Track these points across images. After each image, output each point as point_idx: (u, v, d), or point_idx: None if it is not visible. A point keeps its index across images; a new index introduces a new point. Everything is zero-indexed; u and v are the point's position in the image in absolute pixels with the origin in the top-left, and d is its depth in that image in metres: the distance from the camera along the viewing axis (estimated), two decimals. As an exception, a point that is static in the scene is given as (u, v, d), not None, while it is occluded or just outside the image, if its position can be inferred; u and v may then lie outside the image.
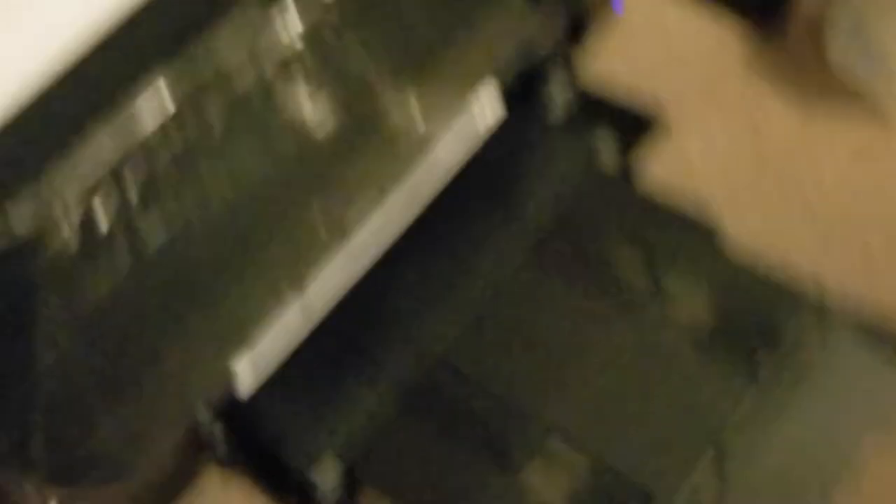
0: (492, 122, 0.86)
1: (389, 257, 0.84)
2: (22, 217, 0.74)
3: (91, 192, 0.76)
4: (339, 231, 0.79)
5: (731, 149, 1.05)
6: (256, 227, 0.78)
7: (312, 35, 0.82)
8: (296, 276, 0.78)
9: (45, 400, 0.70)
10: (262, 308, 0.77)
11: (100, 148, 0.77)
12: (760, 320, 0.83)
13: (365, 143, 0.81)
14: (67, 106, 0.81)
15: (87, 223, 0.75)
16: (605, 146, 0.96)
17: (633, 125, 1.05)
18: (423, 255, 0.87)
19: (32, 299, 0.73)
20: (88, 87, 0.81)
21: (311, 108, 0.80)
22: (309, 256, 0.78)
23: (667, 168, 1.04)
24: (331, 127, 0.80)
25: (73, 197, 0.75)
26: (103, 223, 0.75)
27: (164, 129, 0.78)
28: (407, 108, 0.81)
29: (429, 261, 0.87)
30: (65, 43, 0.83)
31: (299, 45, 0.81)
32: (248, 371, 0.78)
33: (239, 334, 0.76)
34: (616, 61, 1.12)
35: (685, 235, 0.89)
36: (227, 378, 0.77)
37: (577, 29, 1.02)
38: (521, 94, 0.95)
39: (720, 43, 1.13)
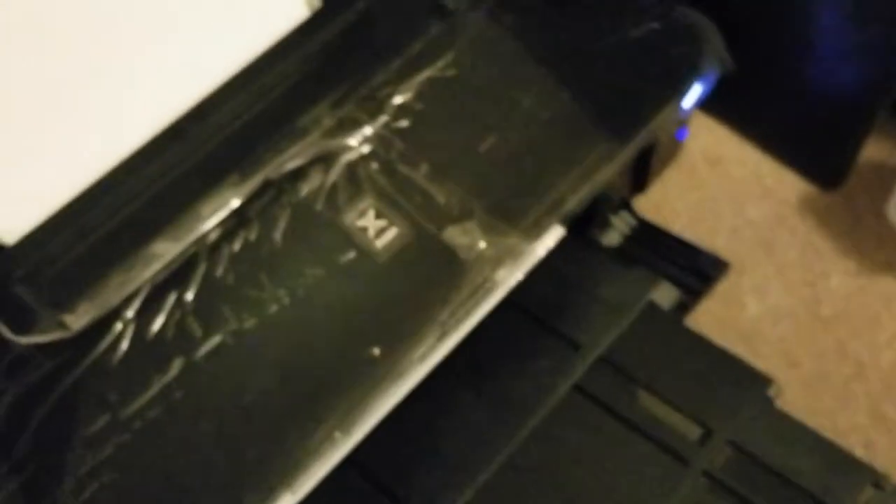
0: (552, 245, 0.86)
1: (427, 387, 0.83)
2: (78, 314, 0.76)
3: (149, 295, 0.76)
4: (397, 373, 0.78)
5: (786, 300, 1.05)
6: (314, 363, 0.77)
7: (385, 166, 0.83)
8: (349, 422, 0.76)
9: None
10: (313, 453, 0.74)
11: (160, 252, 0.78)
12: (810, 487, 0.81)
13: (432, 284, 0.80)
14: (132, 207, 0.83)
15: (142, 326, 0.75)
16: (662, 284, 0.96)
17: (689, 265, 1.06)
18: (463, 386, 0.87)
19: (80, 397, 0.73)
20: (154, 190, 0.83)
21: (379, 241, 0.80)
22: (364, 401, 0.76)
23: (720, 313, 1.04)
24: (396, 261, 0.80)
25: (131, 299, 0.76)
26: (158, 327, 0.75)
27: (224, 240, 0.79)
28: (475, 249, 0.81)
29: (467, 394, 0.87)
30: (137, 140, 0.86)
31: (370, 175, 0.82)
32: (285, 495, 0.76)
33: (287, 479, 0.73)
34: (676, 198, 1.13)
35: (736, 384, 0.88)
36: None
37: (642, 174, 1.03)
38: (583, 217, 0.95)
39: (780, 189, 1.13)
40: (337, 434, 0.75)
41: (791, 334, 1.02)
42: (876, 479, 0.81)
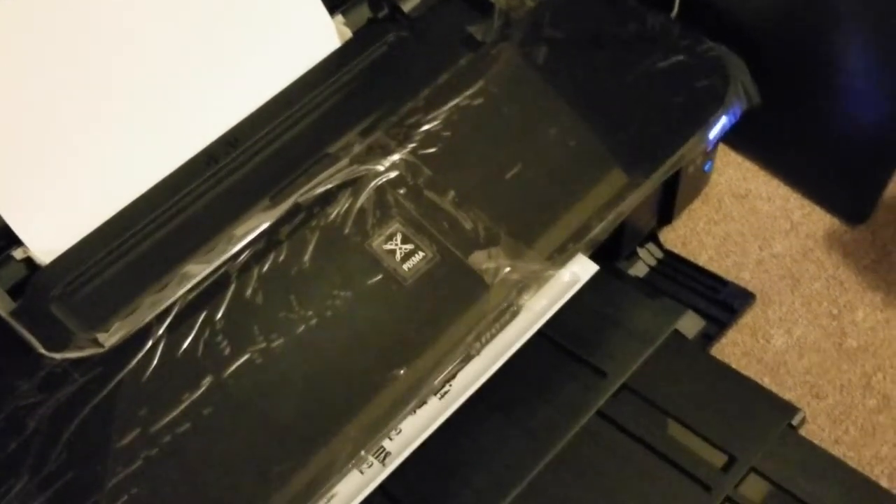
0: (581, 278, 0.87)
1: (466, 413, 0.83)
2: (111, 332, 0.77)
3: (180, 313, 0.78)
4: (424, 394, 0.79)
5: (812, 333, 1.05)
6: (340, 382, 0.78)
7: (412, 192, 0.84)
8: (375, 442, 0.77)
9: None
10: (338, 471, 0.75)
11: (191, 272, 0.80)
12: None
13: (457, 307, 0.81)
14: (165, 229, 0.85)
15: (172, 344, 0.77)
16: (687, 314, 0.96)
17: (715, 296, 1.06)
18: (489, 413, 0.87)
19: (111, 412, 0.74)
20: (186, 213, 0.85)
21: (405, 265, 0.81)
22: (389, 421, 0.77)
23: (746, 345, 1.04)
24: (422, 285, 0.81)
25: (162, 317, 0.78)
26: (188, 345, 0.77)
27: (254, 262, 0.81)
28: (500, 273, 0.82)
29: (493, 421, 0.88)
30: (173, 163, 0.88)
31: (398, 200, 0.84)
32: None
33: (313, 496, 0.74)
34: (703, 232, 1.13)
35: (760, 413, 0.88)
36: None
37: (668, 206, 1.04)
38: (609, 246, 0.96)
39: (806, 223, 1.13)
40: (362, 453, 0.76)
41: (816, 366, 1.02)
42: (901, 509, 0.81)
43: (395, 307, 0.80)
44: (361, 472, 0.78)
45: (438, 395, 0.82)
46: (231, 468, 0.73)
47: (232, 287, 0.79)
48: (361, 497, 0.78)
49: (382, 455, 0.79)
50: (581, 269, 0.88)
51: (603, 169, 0.88)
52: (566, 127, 0.90)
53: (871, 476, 0.86)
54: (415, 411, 0.81)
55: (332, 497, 0.77)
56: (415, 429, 0.81)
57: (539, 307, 0.85)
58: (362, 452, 0.75)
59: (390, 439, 0.80)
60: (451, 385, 0.83)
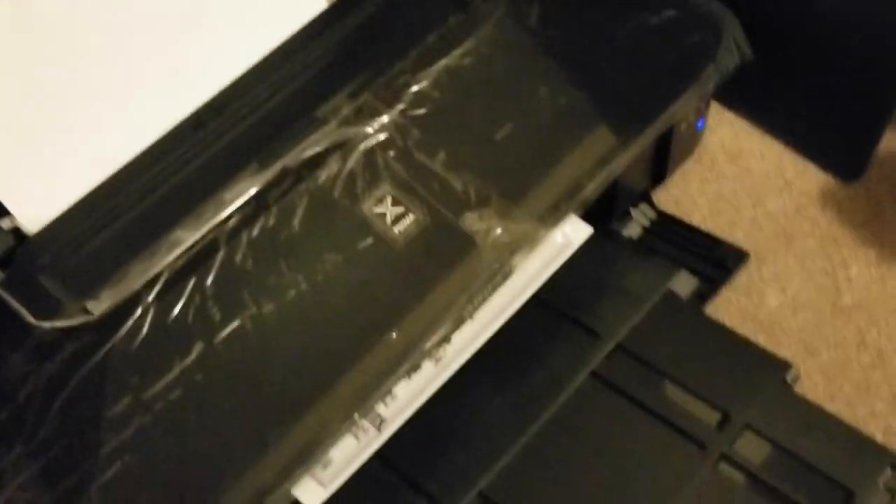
0: (575, 241, 0.87)
1: (458, 377, 0.83)
2: (100, 300, 0.77)
3: (169, 280, 0.77)
4: (417, 358, 0.79)
5: (806, 290, 1.04)
6: (332, 347, 0.77)
7: (402, 154, 0.83)
8: (368, 405, 0.77)
9: (103, 484, 0.71)
10: (331, 435, 0.75)
11: (180, 239, 0.79)
12: (830, 470, 0.81)
13: (448, 269, 0.80)
14: (153, 196, 0.84)
15: (162, 311, 0.76)
16: (680, 274, 0.96)
17: (708, 255, 1.06)
18: (483, 375, 0.86)
19: (102, 380, 0.74)
20: (174, 179, 0.85)
21: (396, 228, 0.80)
22: (382, 384, 0.76)
23: (740, 303, 1.04)
24: (414, 247, 0.80)
25: (151, 284, 0.77)
26: (178, 312, 0.76)
27: (243, 227, 0.80)
28: (492, 235, 0.81)
29: (486, 383, 0.87)
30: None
31: (388, 163, 0.83)
32: (315, 488, 0.77)
33: (306, 461, 0.74)
34: (696, 192, 1.13)
35: (754, 370, 0.88)
36: (286, 500, 0.76)
37: (660, 164, 1.03)
38: (602, 207, 0.95)
39: (799, 181, 1.13)
40: (356, 416, 0.75)
41: (810, 324, 1.02)
42: (896, 462, 0.81)
43: (386, 270, 0.79)
44: (357, 439, 0.78)
45: (433, 361, 0.82)
46: (224, 434, 0.73)
47: (221, 253, 0.78)
48: (358, 463, 0.78)
49: (378, 421, 0.79)
50: (575, 232, 0.87)
51: (594, 127, 0.88)
52: (556, 86, 0.89)
53: (866, 432, 0.86)
54: (410, 377, 0.81)
55: (328, 464, 0.77)
56: (410, 395, 0.81)
57: (532, 269, 0.85)
58: (355, 416, 0.75)
59: (385, 405, 0.80)
60: (445, 350, 0.82)
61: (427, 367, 0.82)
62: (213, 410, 0.74)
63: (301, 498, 0.76)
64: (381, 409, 0.80)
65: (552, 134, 0.87)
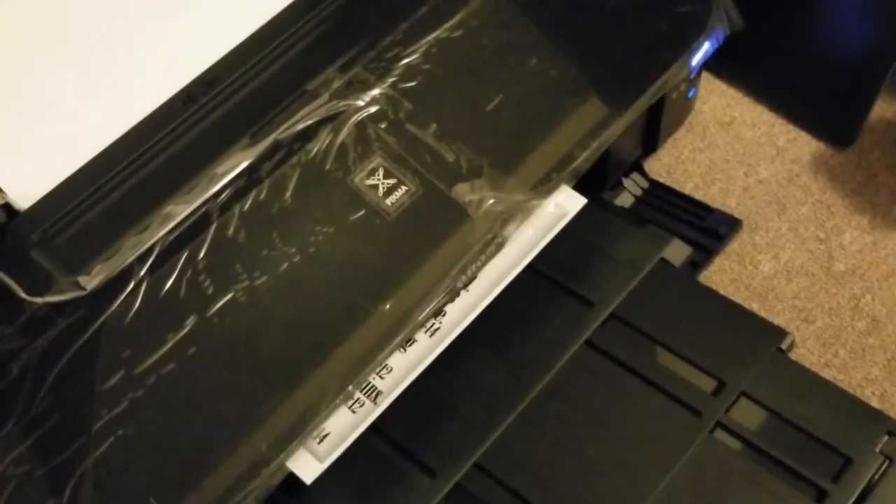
0: (569, 212, 0.86)
1: (453, 347, 0.83)
2: (92, 274, 0.77)
3: (161, 254, 0.77)
4: (411, 329, 0.79)
5: (800, 257, 1.04)
6: (325, 318, 0.77)
7: (393, 126, 0.83)
8: (363, 377, 0.77)
9: (97, 458, 0.71)
10: (326, 406, 0.75)
11: (172, 212, 0.79)
12: (827, 437, 0.81)
13: (441, 240, 0.80)
14: (144, 170, 0.83)
15: (154, 285, 0.76)
16: (674, 242, 0.96)
17: (701, 224, 1.06)
18: (476, 345, 0.87)
19: (95, 354, 0.74)
20: (165, 153, 0.84)
21: (388, 199, 0.80)
22: (376, 355, 0.77)
23: (734, 271, 1.04)
24: (406, 219, 0.80)
25: (143, 258, 0.77)
26: (170, 285, 0.76)
27: (235, 201, 0.80)
28: (484, 205, 0.81)
29: (481, 353, 0.87)
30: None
31: (379, 135, 0.83)
32: (311, 462, 0.76)
33: (300, 432, 0.74)
34: (688, 160, 1.13)
35: (749, 337, 0.88)
36: (282, 472, 0.75)
37: (652, 134, 1.03)
38: (594, 177, 0.95)
39: (792, 149, 1.13)
40: (350, 388, 0.75)
41: (805, 291, 1.02)
42: (892, 428, 0.81)
43: (379, 242, 0.79)
44: (353, 412, 0.78)
45: (428, 333, 0.82)
46: (218, 407, 0.73)
47: (213, 226, 0.78)
48: (354, 436, 0.78)
49: (374, 394, 0.79)
50: (568, 202, 0.87)
51: (585, 97, 0.87)
52: (547, 56, 0.88)
53: (862, 398, 0.86)
54: (405, 349, 0.81)
55: (325, 437, 0.77)
56: (405, 367, 0.80)
57: (525, 239, 0.85)
58: (350, 388, 0.75)
59: (381, 378, 0.80)
60: (440, 322, 0.82)
61: (422, 338, 0.82)
62: (207, 384, 0.74)
63: (297, 471, 0.76)
64: (376, 381, 0.79)
65: (543, 104, 0.87)
